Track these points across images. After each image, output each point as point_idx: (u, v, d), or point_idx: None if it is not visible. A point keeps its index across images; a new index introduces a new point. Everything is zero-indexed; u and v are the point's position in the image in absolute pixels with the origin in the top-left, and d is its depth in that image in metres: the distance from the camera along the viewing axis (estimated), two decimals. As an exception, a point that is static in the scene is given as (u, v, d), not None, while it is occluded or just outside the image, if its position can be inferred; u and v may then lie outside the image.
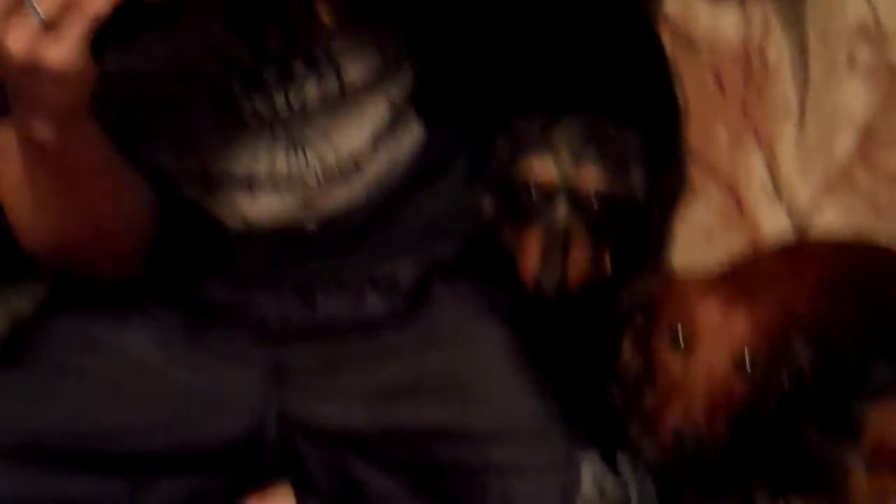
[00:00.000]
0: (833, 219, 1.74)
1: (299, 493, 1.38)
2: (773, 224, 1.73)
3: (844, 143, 1.78)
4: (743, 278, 1.46)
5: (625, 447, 1.26)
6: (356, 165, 1.35)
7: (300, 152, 1.32)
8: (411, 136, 1.40)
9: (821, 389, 1.23)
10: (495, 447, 1.25)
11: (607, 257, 1.36)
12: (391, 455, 1.30)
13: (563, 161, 1.29)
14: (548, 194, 1.29)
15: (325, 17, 1.25)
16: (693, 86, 1.83)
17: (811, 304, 1.37)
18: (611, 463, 1.23)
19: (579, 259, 1.28)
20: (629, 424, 1.34)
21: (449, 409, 1.29)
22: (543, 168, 1.30)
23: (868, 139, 1.77)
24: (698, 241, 1.75)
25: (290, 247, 1.37)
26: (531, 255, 1.28)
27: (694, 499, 1.56)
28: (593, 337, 1.32)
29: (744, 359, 1.16)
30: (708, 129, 1.81)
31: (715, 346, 1.16)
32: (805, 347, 1.21)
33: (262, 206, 1.34)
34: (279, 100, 1.29)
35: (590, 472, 1.19)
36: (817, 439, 1.54)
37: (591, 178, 1.29)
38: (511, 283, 1.33)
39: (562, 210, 1.28)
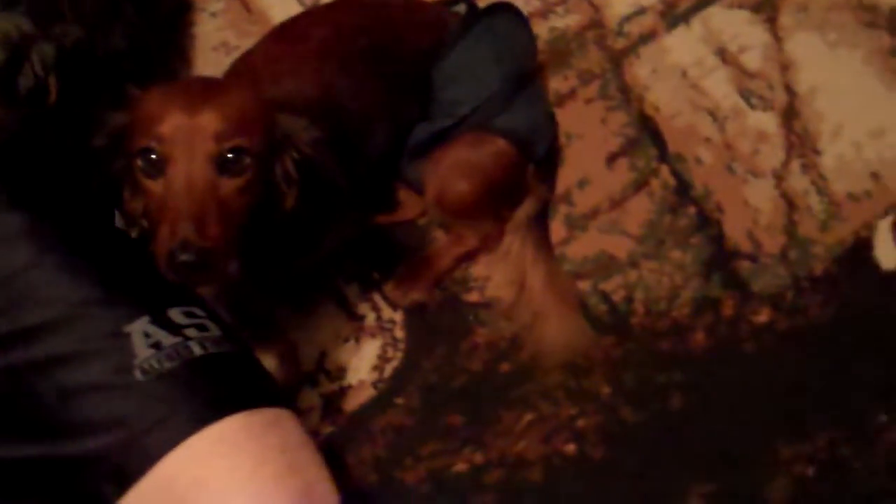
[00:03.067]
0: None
1: None
2: (285, 15, 1.64)
3: None
4: (228, 75, 1.37)
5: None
6: None
7: None
8: None
9: (331, 165, 1.16)
10: (35, 343, 1.12)
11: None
12: None
13: None
14: None
15: None
16: None
17: (313, 77, 1.31)
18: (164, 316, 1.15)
19: None
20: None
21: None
22: None
23: None
24: (216, 56, 1.65)
25: None
26: None
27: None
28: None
29: (223, 156, 1.07)
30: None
31: (187, 154, 1.05)
32: (302, 128, 1.13)
33: None
34: None
35: (140, 335, 1.10)
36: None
37: None
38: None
39: None
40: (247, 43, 1.62)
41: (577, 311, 1.53)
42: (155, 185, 1.08)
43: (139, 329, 1.11)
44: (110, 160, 1.16)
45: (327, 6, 1.49)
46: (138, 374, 1.08)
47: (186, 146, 1.06)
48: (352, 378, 1.52)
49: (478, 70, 1.44)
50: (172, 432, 1.05)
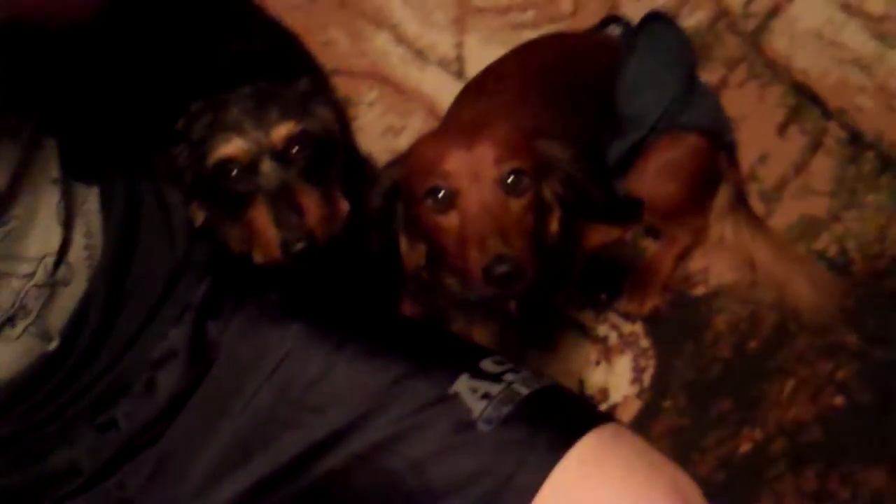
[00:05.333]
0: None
1: None
2: (437, 86, 1.74)
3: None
4: (468, 117, 1.41)
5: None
6: (61, 263, 1.21)
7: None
8: (93, 201, 1.27)
9: (591, 180, 1.23)
10: (369, 430, 1.16)
11: (341, 196, 1.30)
12: (274, 488, 1.21)
13: (247, 131, 1.22)
14: (248, 167, 1.23)
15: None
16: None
17: (523, 121, 1.34)
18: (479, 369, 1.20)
19: (312, 206, 1.22)
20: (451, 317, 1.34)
21: (304, 428, 1.20)
22: (231, 146, 1.22)
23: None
24: (387, 140, 1.73)
25: (45, 382, 1.22)
26: (266, 228, 1.21)
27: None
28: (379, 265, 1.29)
29: (506, 179, 1.13)
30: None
31: (476, 182, 1.13)
32: (560, 149, 1.20)
33: None
34: None
35: (468, 391, 1.14)
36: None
37: (281, 131, 1.23)
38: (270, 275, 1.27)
39: (269, 170, 1.22)
40: (411, 122, 1.72)
41: (816, 265, 1.60)
42: (448, 220, 1.14)
43: (464, 386, 1.15)
44: (387, 218, 1.23)
45: (507, 57, 1.54)
46: (483, 427, 1.11)
47: (473, 176, 1.13)
48: (615, 396, 1.58)
49: (655, 78, 1.51)
50: (537, 468, 1.07)
